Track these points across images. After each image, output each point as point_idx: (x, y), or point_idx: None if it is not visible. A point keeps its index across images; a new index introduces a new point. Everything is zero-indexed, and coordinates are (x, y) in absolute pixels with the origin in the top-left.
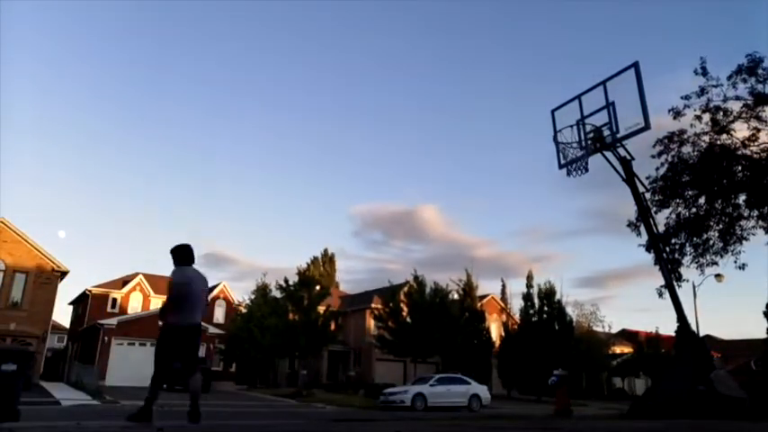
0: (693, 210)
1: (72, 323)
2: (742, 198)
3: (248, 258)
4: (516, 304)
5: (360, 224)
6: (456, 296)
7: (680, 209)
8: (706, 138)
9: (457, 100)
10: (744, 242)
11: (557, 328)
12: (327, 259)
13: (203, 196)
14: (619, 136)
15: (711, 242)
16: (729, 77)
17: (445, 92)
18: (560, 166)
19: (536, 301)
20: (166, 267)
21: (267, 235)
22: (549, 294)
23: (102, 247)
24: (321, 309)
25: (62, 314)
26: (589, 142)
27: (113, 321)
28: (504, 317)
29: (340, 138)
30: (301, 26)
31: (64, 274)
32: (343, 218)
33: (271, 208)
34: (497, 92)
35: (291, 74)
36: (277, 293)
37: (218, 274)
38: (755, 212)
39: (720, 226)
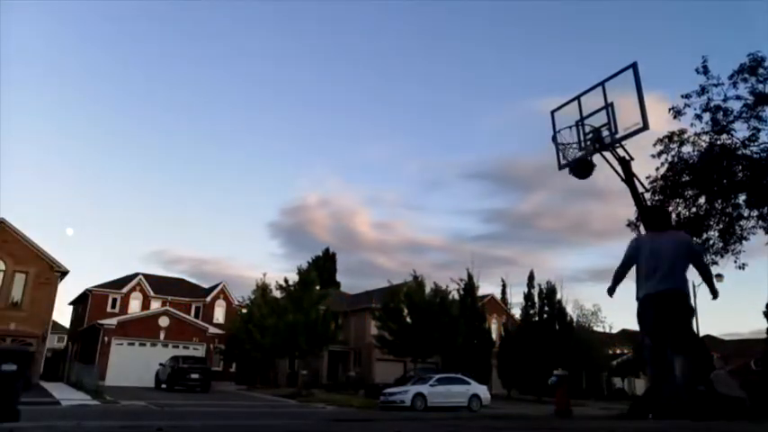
0: (693, 210)
1: (72, 323)
2: (742, 198)
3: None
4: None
5: (273, 232)
6: (456, 296)
7: (680, 209)
8: (706, 137)
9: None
10: (744, 242)
11: (557, 328)
12: (328, 258)
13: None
14: (618, 136)
15: (711, 242)
16: (731, 77)
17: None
18: (560, 167)
19: (536, 301)
20: (166, 268)
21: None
22: (549, 294)
23: (103, 247)
24: (321, 309)
25: (62, 314)
26: (588, 143)
27: (113, 321)
28: (504, 317)
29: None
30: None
31: (64, 274)
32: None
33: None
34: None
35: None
36: (277, 293)
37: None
38: (755, 212)
39: (720, 226)
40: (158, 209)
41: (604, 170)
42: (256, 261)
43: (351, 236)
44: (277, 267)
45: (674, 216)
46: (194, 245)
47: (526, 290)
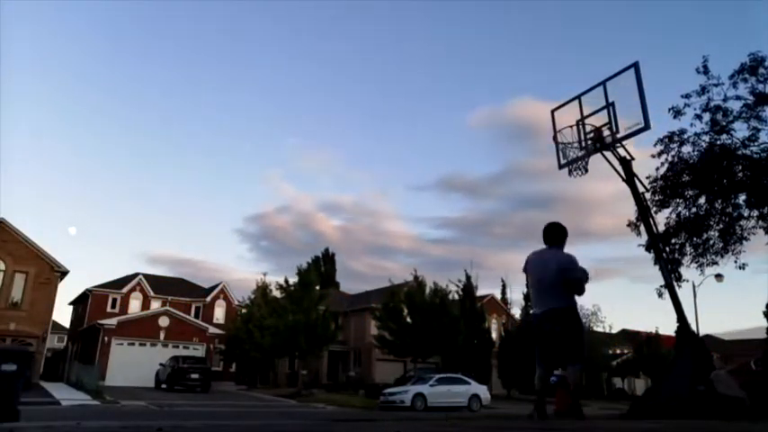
0: (693, 210)
1: (72, 323)
2: (742, 198)
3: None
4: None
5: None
6: (456, 296)
7: (680, 209)
8: (706, 137)
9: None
10: (744, 242)
11: None
12: (328, 259)
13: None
14: (619, 136)
15: (711, 242)
16: (731, 77)
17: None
18: (560, 167)
19: None
20: (167, 268)
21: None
22: None
23: (103, 247)
24: (321, 309)
25: (62, 314)
26: (589, 142)
27: (113, 321)
28: (504, 317)
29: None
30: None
31: (64, 274)
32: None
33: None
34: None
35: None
36: (277, 294)
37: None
38: (755, 212)
39: (720, 226)
40: (143, 209)
41: (543, 181)
42: (230, 264)
43: (318, 240)
44: (252, 270)
45: (674, 216)
46: (171, 247)
47: (526, 290)
